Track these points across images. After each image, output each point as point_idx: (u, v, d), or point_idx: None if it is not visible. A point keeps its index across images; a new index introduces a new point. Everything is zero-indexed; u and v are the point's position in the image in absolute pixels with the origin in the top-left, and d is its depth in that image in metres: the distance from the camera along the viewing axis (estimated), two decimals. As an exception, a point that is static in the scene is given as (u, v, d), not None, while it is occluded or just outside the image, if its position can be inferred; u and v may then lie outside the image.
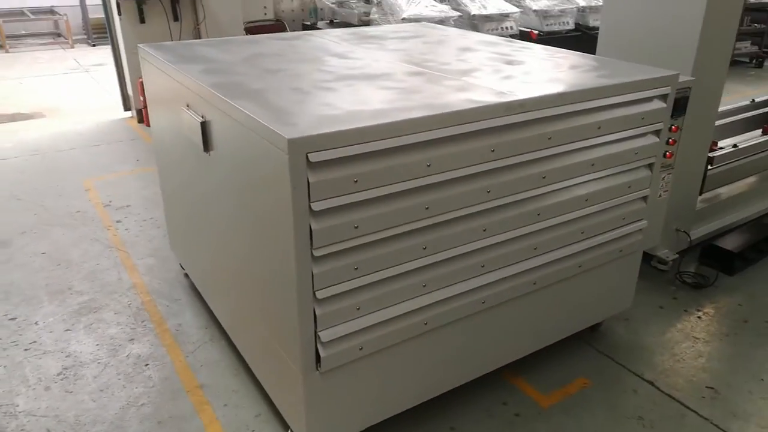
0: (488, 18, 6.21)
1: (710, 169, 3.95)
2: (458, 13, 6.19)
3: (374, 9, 6.18)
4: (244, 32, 7.16)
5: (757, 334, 3.33)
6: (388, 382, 2.46)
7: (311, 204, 1.94)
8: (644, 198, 2.99)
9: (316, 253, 2.02)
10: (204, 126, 2.54)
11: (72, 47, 12.17)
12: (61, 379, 2.93)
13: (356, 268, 2.14)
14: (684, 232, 3.90)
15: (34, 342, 3.21)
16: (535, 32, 6.23)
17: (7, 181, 5.31)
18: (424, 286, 2.36)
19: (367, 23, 6.32)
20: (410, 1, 6.00)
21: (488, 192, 2.37)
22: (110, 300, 3.58)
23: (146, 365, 3.04)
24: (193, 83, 2.58)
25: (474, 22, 6.21)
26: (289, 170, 1.87)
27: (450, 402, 2.77)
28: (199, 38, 6.89)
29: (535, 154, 2.44)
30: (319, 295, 2.09)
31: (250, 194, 2.29)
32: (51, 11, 12.98)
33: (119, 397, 2.82)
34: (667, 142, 2.99)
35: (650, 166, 2.94)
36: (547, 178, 2.53)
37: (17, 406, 2.76)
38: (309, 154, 1.88)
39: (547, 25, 6.56)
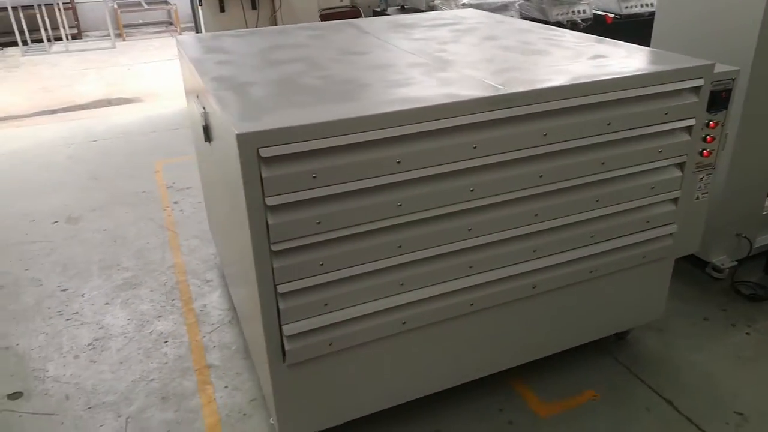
0: (558, 2, 5.82)
1: (782, 169, 3.51)
2: (524, -3, 5.89)
3: (439, -7, 6.05)
4: (319, 19, 7.27)
5: (813, 359, 2.95)
6: (365, 379, 2.44)
7: (266, 199, 1.95)
8: (674, 200, 2.72)
9: (275, 248, 2.03)
10: (204, 117, 2.62)
11: (180, 35, 12.97)
12: (90, 350, 3.18)
13: (321, 264, 2.13)
14: (745, 237, 3.51)
15: (77, 313, 3.50)
16: (611, 16, 5.75)
17: (92, 162, 5.79)
18: (402, 284, 2.30)
19: (433, 8, 6.19)
20: (474, -14, 5.79)
21: (472, 190, 2.26)
22: (149, 277, 3.82)
23: (165, 342, 3.22)
24: (198, 75, 2.67)
25: (542, 6, 5.86)
26: (240, 165, 1.89)
27: (442, 402, 2.70)
28: (276, 25, 7.09)
29: (528, 152, 2.29)
30: (281, 289, 2.10)
31: (228, 186, 2.35)
32: (165, 1, 13.87)
33: (135, 370, 3.02)
34: (705, 140, 2.69)
35: (681, 165, 2.66)
36: (545, 177, 2.36)
37: (47, 371, 3.04)
38: (260, 149, 1.89)
39: (626, 7, 6.04)
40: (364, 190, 2.08)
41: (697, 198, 2.84)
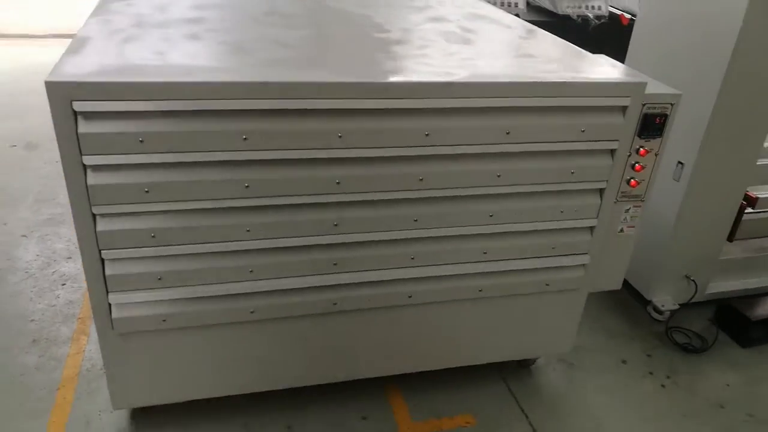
0: (571, -8, 5.35)
1: (749, 213, 3.16)
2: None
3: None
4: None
5: (726, 428, 2.64)
6: (208, 363, 2.30)
7: (83, 157, 1.81)
8: (590, 229, 2.45)
9: (96, 211, 1.89)
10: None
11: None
12: (-15, 280, 3.15)
13: (153, 236, 1.98)
14: (693, 281, 3.19)
15: (-10, 241, 3.48)
16: (627, 16, 5.24)
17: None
18: (251, 271, 2.14)
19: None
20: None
21: (338, 183, 2.06)
22: (78, 217, 3.75)
23: (63, 284, 3.15)
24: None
25: (553, -5, 5.42)
26: (52, 116, 1.75)
27: (304, 400, 2.55)
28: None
29: (407, 150, 2.06)
30: (106, 255, 1.96)
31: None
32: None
33: (20, 307, 2.96)
34: (633, 167, 2.40)
35: (600, 192, 2.39)
36: (425, 181, 2.14)
37: (-66, 293, 3.02)
38: (74, 102, 1.74)
39: (651, 9, 5.47)
40: (201, 163, 1.91)
41: (622, 231, 2.56)
